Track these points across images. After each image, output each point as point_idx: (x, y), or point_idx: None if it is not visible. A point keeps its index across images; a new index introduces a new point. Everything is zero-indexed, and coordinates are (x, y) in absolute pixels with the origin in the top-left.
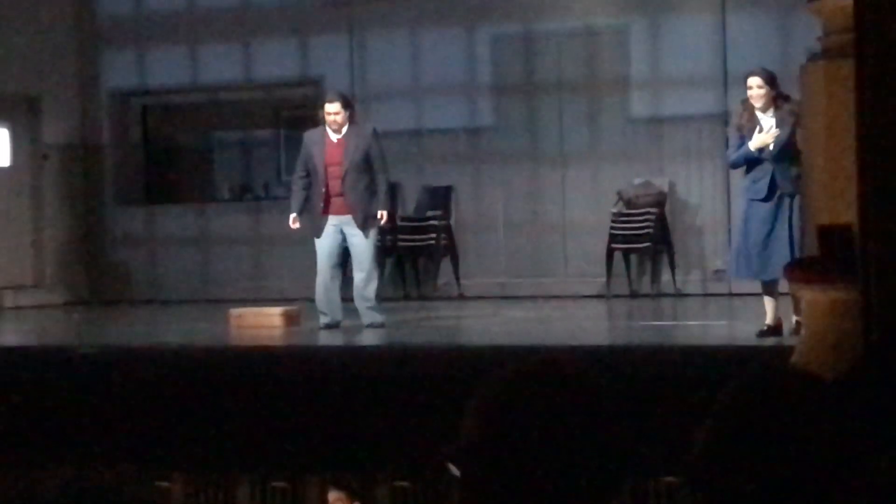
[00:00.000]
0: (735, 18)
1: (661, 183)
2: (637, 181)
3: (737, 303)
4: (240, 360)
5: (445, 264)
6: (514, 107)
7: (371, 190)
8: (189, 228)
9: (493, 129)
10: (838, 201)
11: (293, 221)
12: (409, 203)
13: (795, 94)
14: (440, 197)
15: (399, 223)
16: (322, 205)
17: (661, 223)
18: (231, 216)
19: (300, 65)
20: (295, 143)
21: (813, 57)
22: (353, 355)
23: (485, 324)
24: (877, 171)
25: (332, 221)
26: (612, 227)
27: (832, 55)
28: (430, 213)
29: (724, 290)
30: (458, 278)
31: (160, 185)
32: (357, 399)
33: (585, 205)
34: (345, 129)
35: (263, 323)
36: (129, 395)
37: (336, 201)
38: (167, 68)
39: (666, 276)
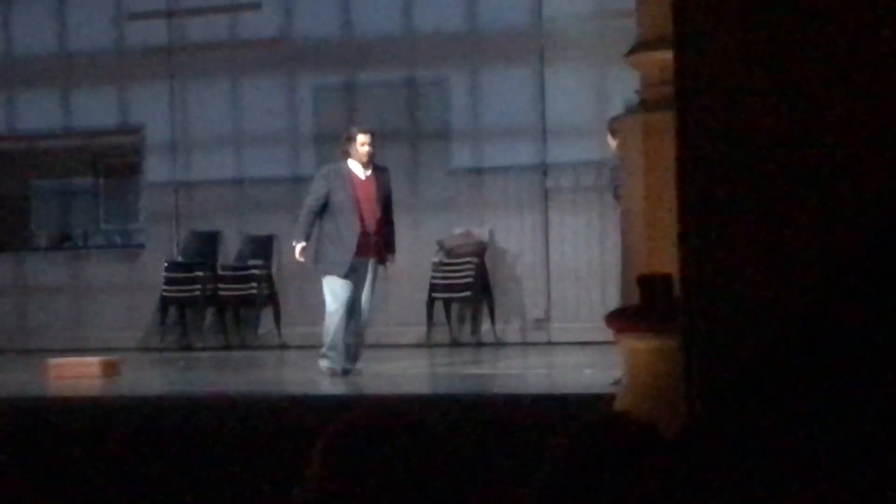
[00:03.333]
0: (553, 71)
1: (482, 233)
2: (457, 231)
3: (556, 351)
4: (57, 410)
5: (267, 313)
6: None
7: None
8: (6, 277)
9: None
10: (658, 251)
11: (301, 252)
12: (231, 252)
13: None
14: (262, 246)
15: (220, 272)
16: (356, 243)
17: (482, 272)
18: (49, 265)
19: (120, 113)
20: (114, 192)
21: (631, 109)
22: (176, 405)
23: (307, 373)
24: (696, 221)
25: (357, 262)
26: (432, 277)
27: (650, 107)
28: (251, 262)
29: (544, 339)
30: (279, 327)
31: None
32: (183, 450)
33: (406, 254)
34: (371, 168)
35: (82, 373)
36: None
37: (368, 241)
38: None
39: (486, 324)
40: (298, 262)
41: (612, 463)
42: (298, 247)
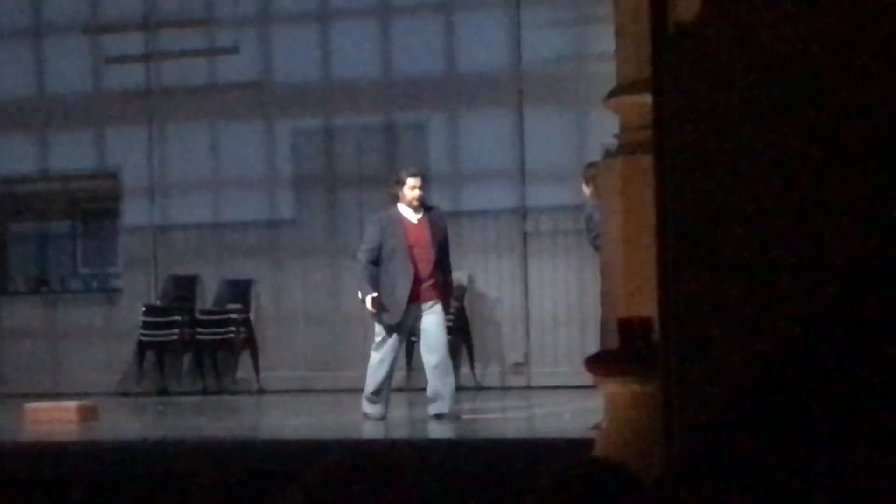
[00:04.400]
0: (533, 114)
1: (461, 276)
2: None
3: (535, 395)
4: (34, 456)
5: (245, 358)
6: (314, 200)
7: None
8: None
9: (294, 223)
10: (637, 294)
11: (372, 303)
12: (209, 296)
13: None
14: (240, 290)
15: (198, 316)
16: (410, 289)
17: (461, 316)
18: (26, 309)
19: (97, 157)
20: (92, 236)
21: (609, 153)
22: (154, 450)
23: (285, 417)
24: (676, 265)
25: (412, 308)
26: None
27: (629, 150)
28: (229, 306)
29: (523, 383)
30: (257, 372)
31: None
32: (161, 495)
33: None
34: (422, 211)
35: (59, 418)
36: None
37: (423, 287)
38: None
39: (465, 368)
40: (278, 306)
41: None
42: (369, 299)
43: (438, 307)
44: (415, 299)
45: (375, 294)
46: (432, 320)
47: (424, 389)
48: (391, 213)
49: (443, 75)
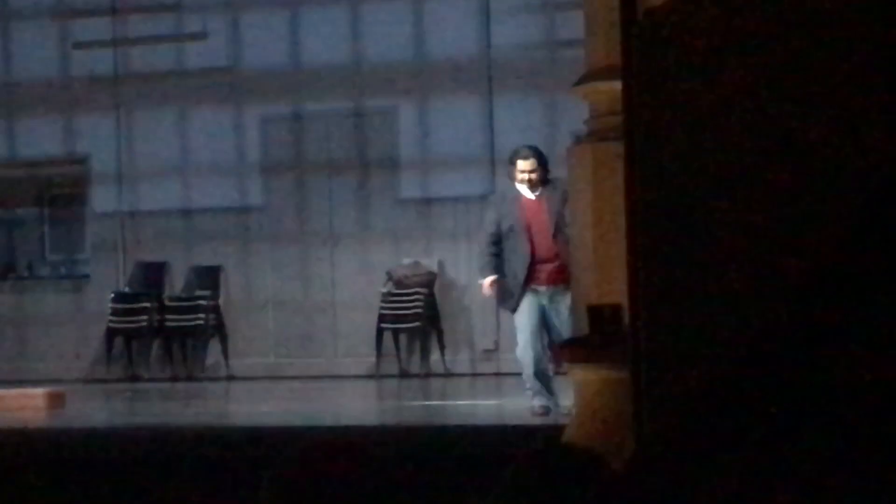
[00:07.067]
0: (502, 101)
1: (431, 263)
2: (406, 261)
3: (505, 382)
4: (1, 442)
5: (214, 344)
6: (283, 187)
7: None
8: None
9: (262, 209)
10: (607, 281)
11: (489, 285)
12: (178, 283)
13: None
14: (209, 276)
15: (167, 303)
16: (526, 273)
17: (431, 303)
18: None
19: (65, 143)
20: (60, 222)
21: (579, 139)
22: (122, 437)
23: (254, 404)
24: (645, 251)
25: (534, 293)
26: (381, 307)
27: (599, 137)
28: (198, 293)
29: (493, 370)
30: (226, 358)
31: None
32: (129, 482)
33: (355, 284)
34: (540, 188)
35: (27, 405)
36: None
37: (544, 268)
38: None
39: (435, 355)
40: (247, 293)
41: (559, 494)
42: (486, 281)
43: (566, 296)
44: (535, 281)
45: (494, 276)
46: (563, 311)
47: (394, 376)
48: (507, 192)
49: (412, 61)
